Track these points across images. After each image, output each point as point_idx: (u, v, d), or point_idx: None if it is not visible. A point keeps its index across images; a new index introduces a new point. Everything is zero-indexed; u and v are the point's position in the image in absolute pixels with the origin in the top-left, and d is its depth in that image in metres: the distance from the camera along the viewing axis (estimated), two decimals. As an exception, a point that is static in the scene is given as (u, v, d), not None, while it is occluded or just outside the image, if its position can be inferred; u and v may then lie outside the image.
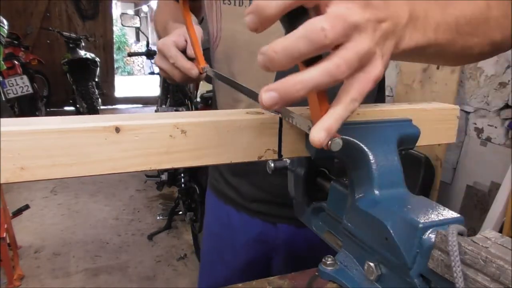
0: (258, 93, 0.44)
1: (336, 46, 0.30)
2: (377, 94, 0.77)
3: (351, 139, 0.42)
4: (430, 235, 0.35)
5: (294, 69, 0.30)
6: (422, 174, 2.03)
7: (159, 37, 0.86)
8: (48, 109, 5.68)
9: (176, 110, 2.54)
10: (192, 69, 0.66)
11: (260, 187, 0.78)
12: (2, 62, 3.80)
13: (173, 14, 0.85)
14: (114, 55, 7.36)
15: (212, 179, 0.89)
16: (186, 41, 0.69)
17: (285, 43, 0.29)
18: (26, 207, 2.50)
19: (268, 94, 0.30)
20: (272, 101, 0.30)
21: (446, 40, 0.42)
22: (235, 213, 0.83)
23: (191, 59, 0.67)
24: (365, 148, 0.42)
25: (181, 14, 0.66)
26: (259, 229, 0.81)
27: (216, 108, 0.84)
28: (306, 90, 0.29)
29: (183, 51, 0.68)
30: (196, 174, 2.52)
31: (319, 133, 0.31)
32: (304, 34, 0.28)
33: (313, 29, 0.28)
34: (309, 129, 0.34)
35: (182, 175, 2.56)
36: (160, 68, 0.71)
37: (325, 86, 0.30)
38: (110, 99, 6.84)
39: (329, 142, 0.32)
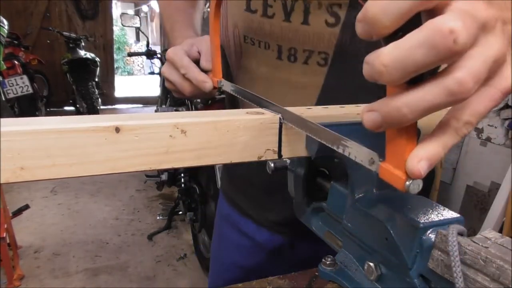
0: (282, 108, 0.42)
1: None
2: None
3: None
4: (430, 235, 0.35)
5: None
6: (422, 174, 2.03)
7: (166, 34, 0.80)
8: (48, 109, 5.68)
9: (176, 110, 2.54)
10: (206, 82, 0.59)
11: (277, 210, 0.74)
12: (2, 62, 3.80)
13: (181, 10, 0.79)
14: (114, 55, 7.35)
15: (230, 192, 0.84)
16: (199, 52, 0.62)
17: (397, 54, 0.22)
18: (26, 207, 2.50)
19: (370, 115, 0.25)
20: (375, 124, 0.25)
21: None
22: (253, 226, 0.79)
23: (204, 72, 0.61)
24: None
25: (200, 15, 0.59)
26: (278, 244, 0.78)
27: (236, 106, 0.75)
28: (414, 115, 0.24)
29: (196, 63, 0.61)
30: (196, 174, 2.52)
31: (418, 163, 0.25)
32: (424, 40, 0.22)
33: (437, 32, 0.21)
34: (372, 162, 0.29)
35: (182, 175, 2.56)
36: (168, 80, 0.64)
37: (440, 109, 0.24)
38: (110, 99, 6.84)
39: (409, 182, 0.26)
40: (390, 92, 0.25)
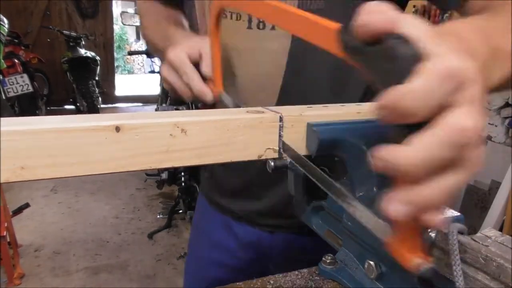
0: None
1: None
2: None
3: (351, 138, 0.42)
4: (430, 233, 0.35)
5: None
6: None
7: (155, 49, 0.79)
8: (48, 108, 5.67)
9: (176, 109, 2.54)
10: (207, 94, 0.58)
11: (259, 199, 0.75)
12: (2, 61, 3.80)
13: (166, 17, 0.78)
14: (115, 54, 7.35)
15: (206, 189, 0.85)
16: (200, 54, 0.61)
17: (426, 155, 0.23)
18: (27, 205, 2.50)
19: (395, 207, 0.25)
20: (404, 215, 0.25)
21: None
22: (231, 221, 0.80)
23: (204, 78, 0.59)
24: (365, 147, 0.42)
25: (209, 22, 0.56)
26: (255, 236, 0.79)
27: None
28: (443, 200, 0.25)
29: (196, 66, 0.60)
30: (196, 172, 2.52)
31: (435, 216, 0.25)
32: (444, 141, 0.23)
33: (455, 131, 0.23)
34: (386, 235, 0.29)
35: (182, 174, 2.56)
36: (167, 81, 0.62)
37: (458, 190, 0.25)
38: (110, 97, 6.83)
39: (422, 267, 0.26)
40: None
